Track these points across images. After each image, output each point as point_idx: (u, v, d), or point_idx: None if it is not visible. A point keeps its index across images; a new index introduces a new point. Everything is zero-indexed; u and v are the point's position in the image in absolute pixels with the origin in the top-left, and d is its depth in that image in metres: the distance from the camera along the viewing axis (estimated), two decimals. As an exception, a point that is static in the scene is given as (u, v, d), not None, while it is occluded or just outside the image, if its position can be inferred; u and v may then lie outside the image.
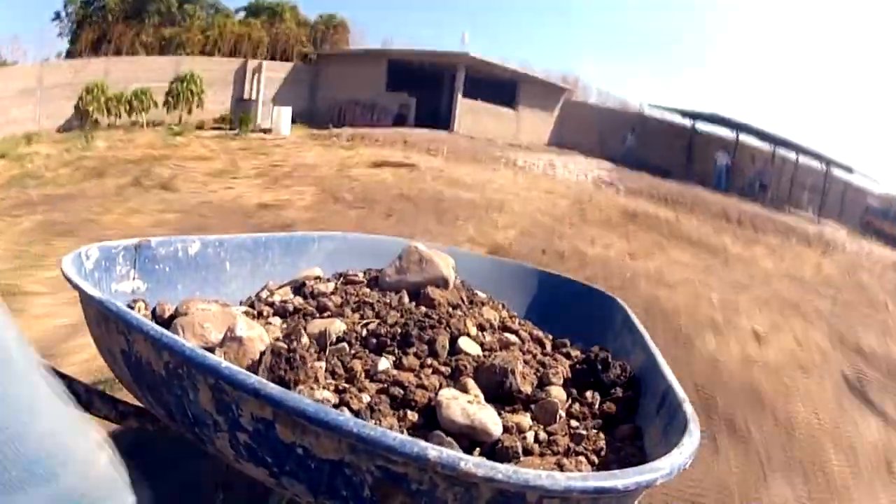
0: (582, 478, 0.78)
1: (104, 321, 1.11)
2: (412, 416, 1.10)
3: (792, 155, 19.41)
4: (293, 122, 14.88)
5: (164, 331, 0.97)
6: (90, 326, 1.22)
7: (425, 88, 18.24)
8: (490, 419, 1.08)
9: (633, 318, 1.69)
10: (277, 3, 21.11)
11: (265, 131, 14.19)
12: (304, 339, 1.26)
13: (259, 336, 1.24)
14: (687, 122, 20.37)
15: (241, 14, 21.12)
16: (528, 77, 19.80)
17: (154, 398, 1.07)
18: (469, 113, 17.97)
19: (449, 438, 1.04)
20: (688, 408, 1.05)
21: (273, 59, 18.53)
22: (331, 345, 1.30)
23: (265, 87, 16.77)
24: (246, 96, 16.72)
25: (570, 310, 1.93)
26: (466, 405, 1.09)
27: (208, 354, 0.92)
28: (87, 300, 1.13)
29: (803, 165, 19.41)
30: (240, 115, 14.74)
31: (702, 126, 20.39)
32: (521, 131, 19.70)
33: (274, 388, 0.84)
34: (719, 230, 10.32)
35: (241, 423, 0.90)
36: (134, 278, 1.48)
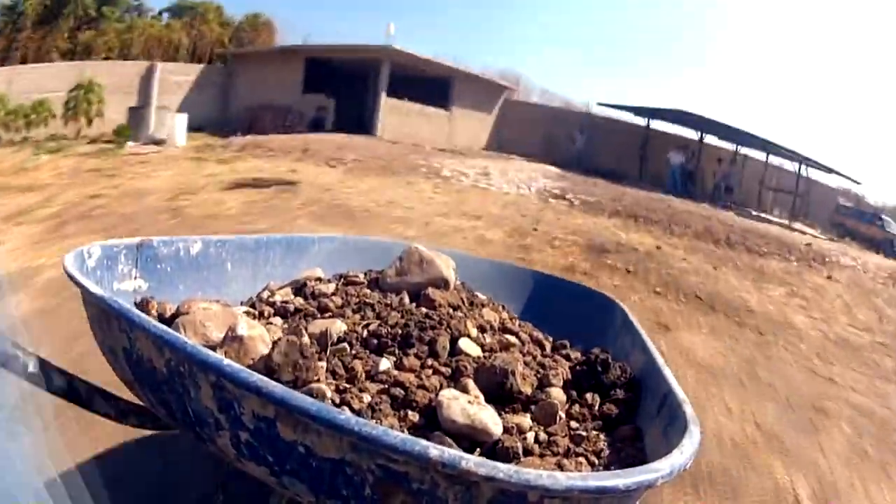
0: (583, 478, 0.78)
1: (106, 319, 1.11)
2: (413, 416, 1.10)
3: (759, 154, 18.29)
4: (198, 130, 13.22)
5: (166, 328, 0.97)
6: (91, 325, 1.22)
7: (347, 89, 16.37)
8: (490, 419, 1.08)
9: (633, 320, 1.70)
10: (200, 4, 19.65)
11: (158, 143, 12.08)
12: (306, 339, 1.27)
13: (260, 336, 1.24)
14: (642, 120, 18.49)
15: (166, 15, 19.73)
16: (463, 74, 17.78)
17: (155, 396, 1.07)
18: (395, 115, 15.79)
19: (449, 439, 1.04)
20: (688, 409, 1.05)
21: (196, 62, 17.31)
22: (332, 345, 1.30)
23: (173, 92, 15.21)
24: (153, 103, 14.34)
25: (570, 311, 1.94)
26: (467, 405, 1.09)
27: (210, 352, 0.92)
28: (89, 298, 1.13)
29: (772, 164, 18.46)
30: (117, 127, 12.62)
31: (659, 125, 18.58)
32: (456, 134, 17.60)
33: (276, 387, 0.84)
34: (714, 259, 8.15)
35: (243, 422, 0.90)
36: (136, 277, 1.48)
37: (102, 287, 1.20)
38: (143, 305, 1.37)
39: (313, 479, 0.87)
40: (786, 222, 15.67)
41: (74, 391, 1.14)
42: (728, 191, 16.80)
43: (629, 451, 1.14)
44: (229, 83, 17.24)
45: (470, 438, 1.06)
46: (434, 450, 0.76)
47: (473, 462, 0.75)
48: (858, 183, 19.02)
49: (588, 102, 21.41)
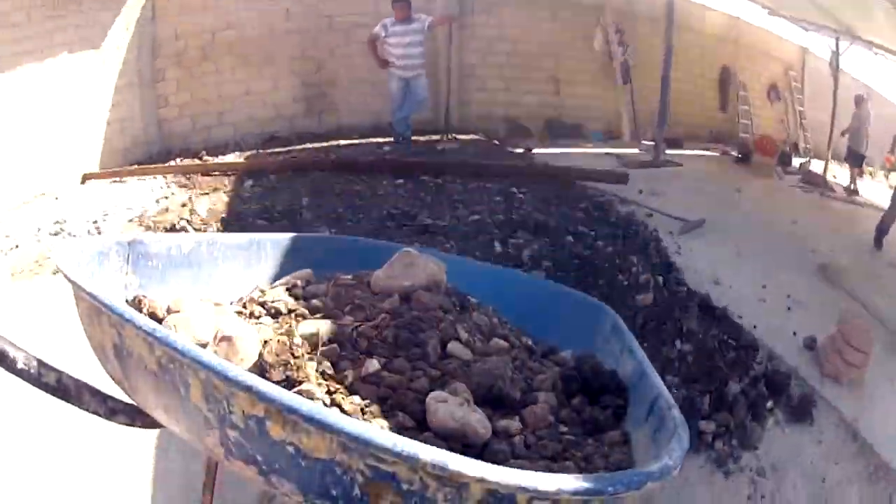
0: (572, 479, 0.79)
1: (96, 315, 1.11)
2: (402, 418, 1.11)
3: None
4: None
5: (157, 325, 0.97)
6: (81, 320, 1.21)
7: None
8: (479, 422, 1.09)
9: (622, 325, 1.71)
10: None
11: None
12: (296, 340, 1.27)
13: (249, 335, 1.24)
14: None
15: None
16: None
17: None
18: None
19: (439, 441, 1.05)
20: (677, 414, 1.06)
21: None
22: (322, 346, 1.30)
23: None
24: None
25: (559, 316, 1.94)
26: (456, 408, 1.10)
27: (201, 349, 0.92)
28: (79, 293, 1.13)
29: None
30: None
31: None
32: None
33: (267, 385, 0.84)
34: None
35: (233, 420, 0.90)
36: (127, 274, 1.48)
37: (93, 283, 1.19)
38: (135, 303, 1.37)
39: (302, 478, 0.87)
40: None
41: (63, 387, 1.13)
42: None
43: (617, 456, 1.15)
44: None
45: (459, 441, 1.07)
46: (424, 450, 0.76)
47: (464, 463, 0.76)
48: None
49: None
